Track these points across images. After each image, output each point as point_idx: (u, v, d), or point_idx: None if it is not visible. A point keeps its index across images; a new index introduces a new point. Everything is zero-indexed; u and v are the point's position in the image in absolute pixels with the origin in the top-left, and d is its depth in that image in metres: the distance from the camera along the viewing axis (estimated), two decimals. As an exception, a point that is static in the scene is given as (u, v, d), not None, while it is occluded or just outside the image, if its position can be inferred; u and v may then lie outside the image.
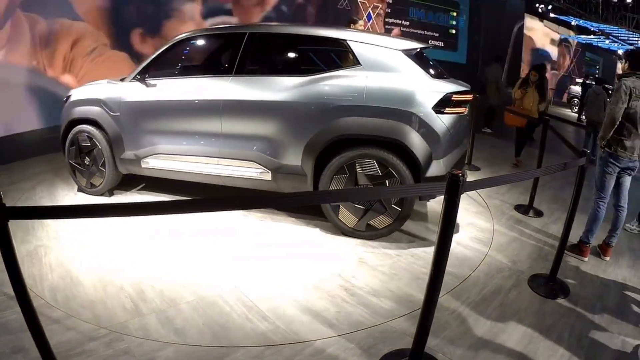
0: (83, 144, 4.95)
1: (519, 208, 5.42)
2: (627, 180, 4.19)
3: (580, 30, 25.89)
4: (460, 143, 4.38)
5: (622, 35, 24.20)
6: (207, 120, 4.42)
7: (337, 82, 4.11)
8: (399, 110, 3.95)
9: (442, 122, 3.97)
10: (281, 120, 4.21)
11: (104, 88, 4.96)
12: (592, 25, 24.32)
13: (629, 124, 3.95)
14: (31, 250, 3.79)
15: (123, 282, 3.38)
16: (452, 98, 3.99)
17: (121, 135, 4.80)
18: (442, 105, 3.95)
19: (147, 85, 4.65)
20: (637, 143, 3.99)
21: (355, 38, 4.21)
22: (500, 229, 4.81)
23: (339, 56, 4.47)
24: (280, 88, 4.20)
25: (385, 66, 4.08)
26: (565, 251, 4.02)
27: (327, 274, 3.64)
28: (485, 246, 4.34)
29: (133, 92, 4.73)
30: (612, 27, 23.52)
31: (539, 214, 5.31)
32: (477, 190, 5.77)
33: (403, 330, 2.99)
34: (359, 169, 4.05)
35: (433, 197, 4.42)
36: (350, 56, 4.21)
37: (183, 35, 4.79)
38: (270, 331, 2.91)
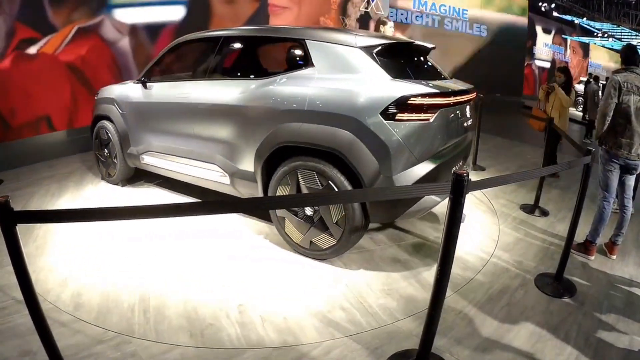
0: (103, 138, 5.52)
1: (524, 207, 5.41)
2: (631, 180, 4.16)
3: (584, 31, 25.88)
4: (438, 156, 3.63)
5: (625, 35, 24.15)
6: (183, 122, 4.57)
7: (284, 86, 3.82)
8: (340, 116, 3.45)
9: (392, 130, 3.34)
10: (236, 125, 4.09)
11: (118, 88, 5.42)
12: (595, 28, 24.28)
13: (621, 119, 3.90)
14: (37, 254, 3.81)
15: (130, 284, 3.39)
16: (409, 102, 3.32)
17: (127, 132, 5.24)
18: (394, 110, 3.33)
19: (145, 87, 4.99)
20: (637, 140, 3.91)
21: (312, 36, 3.84)
22: (506, 228, 4.80)
23: (295, 57, 4.03)
24: (237, 92, 4.07)
25: (339, 66, 3.64)
26: (572, 250, 4.01)
27: (332, 275, 3.65)
28: (492, 246, 4.33)
29: (135, 93, 5.11)
30: (614, 27, 23.48)
31: (544, 213, 5.29)
32: (483, 191, 5.76)
33: (410, 330, 2.99)
34: (300, 180, 3.71)
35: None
36: (305, 57, 3.85)
37: (178, 40, 4.96)
38: (276, 333, 2.92)
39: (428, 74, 4.07)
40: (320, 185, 3.60)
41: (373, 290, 3.46)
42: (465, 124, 4.05)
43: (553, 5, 22.13)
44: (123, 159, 5.37)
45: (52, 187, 5.56)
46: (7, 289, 3.24)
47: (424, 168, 3.49)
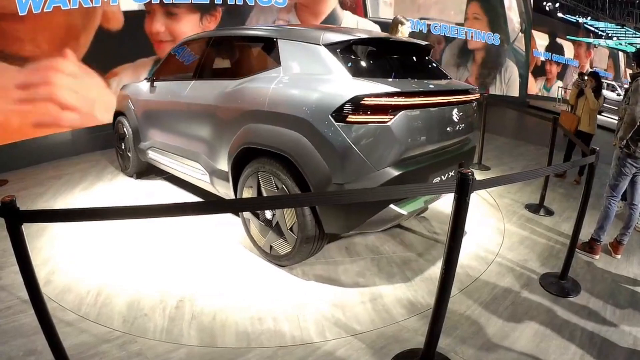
0: (120, 132, 5.89)
1: (529, 207, 5.40)
2: None
3: (587, 31, 25.86)
4: (407, 163, 3.30)
5: (629, 35, 24.14)
6: (176, 121, 4.72)
7: (251, 87, 3.73)
8: (293, 118, 3.29)
9: (343, 134, 3.07)
10: (213, 125, 4.12)
11: (133, 85, 5.74)
12: (599, 29, 24.25)
13: None
14: (42, 254, 3.82)
15: (135, 284, 3.40)
16: (363, 102, 3.03)
17: (138, 128, 5.53)
18: (347, 111, 3.06)
19: (152, 85, 5.19)
20: None
21: (282, 35, 3.72)
22: (511, 228, 4.79)
23: (268, 57, 3.93)
24: (215, 92, 4.08)
25: (304, 65, 3.49)
26: (577, 249, 4.01)
27: (336, 275, 3.65)
28: (496, 245, 4.33)
29: (143, 91, 5.37)
30: (617, 28, 23.46)
31: (549, 212, 5.29)
32: (488, 190, 5.76)
33: (415, 330, 2.99)
34: (261, 183, 3.62)
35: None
36: (276, 56, 3.71)
37: (182, 40, 5.17)
38: (282, 332, 2.92)
39: (421, 73, 3.90)
40: (276, 189, 3.51)
41: (378, 289, 3.46)
42: (456, 128, 3.72)
43: (557, 5, 22.09)
44: (135, 153, 5.66)
45: (58, 186, 5.58)
46: (12, 289, 3.25)
47: (385, 176, 3.17)
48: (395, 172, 3.19)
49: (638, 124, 3.86)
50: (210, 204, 3.42)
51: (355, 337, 2.89)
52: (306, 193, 3.28)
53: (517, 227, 4.82)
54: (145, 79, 5.44)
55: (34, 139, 6.50)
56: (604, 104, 10.88)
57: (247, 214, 3.90)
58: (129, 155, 5.77)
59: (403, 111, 3.16)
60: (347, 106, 3.05)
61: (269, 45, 3.88)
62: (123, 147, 5.89)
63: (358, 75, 3.29)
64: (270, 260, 3.78)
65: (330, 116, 3.09)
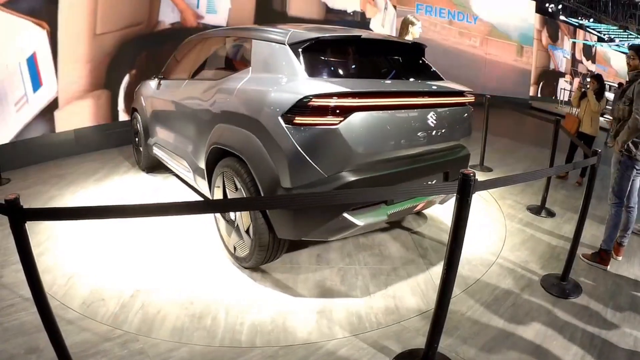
0: (135, 128, 6.19)
1: (531, 208, 5.40)
2: (639, 181, 4.07)
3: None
4: (366, 170, 3.12)
5: (632, 39, 24.13)
6: (171, 118, 4.90)
7: (224, 87, 3.73)
8: (248, 119, 3.26)
9: (290, 136, 2.96)
10: (194, 124, 4.21)
11: (146, 83, 5.90)
12: (601, 32, 24.23)
13: None
14: (43, 252, 3.83)
15: (136, 282, 3.41)
16: (310, 103, 2.89)
17: (147, 124, 5.69)
18: (295, 112, 2.94)
19: (158, 83, 5.37)
20: None
21: (255, 35, 3.66)
22: (513, 229, 4.79)
23: (243, 57, 3.87)
24: (198, 92, 4.16)
25: (269, 65, 3.41)
26: (586, 260, 3.99)
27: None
28: (498, 246, 4.33)
29: (151, 89, 5.55)
30: (620, 31, 23.44)
31: (551, 214, 5.29)
32: (490, 192, 5.76)
33: (416, 330, 2.99)
34: (225, 183, 3.61)
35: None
36: (248, 56, 3.68)
37: (185, 40, 5.30)
38: (283, 332, 2.93)
39: (404, 73, 3.77)
40: (235, 190, 3.48)
41: (379, 289, 3.47)
42: (436, 132, 3.47)
43: (560, 7, 22.07)
44: (145, 148, 5.86)
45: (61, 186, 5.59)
46: (14, 287, 3.26)
47: (337, 182, 3.02)
48: (350, 178, 3.03)
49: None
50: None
51: (357, 337, 2.90)
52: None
53: (518, 229, 4.82)
54: (155, 77, 5.59)
55: (35, 137, 6.49)
56: (607, 106, 10.84)
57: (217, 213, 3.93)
58: (141, 150, 6.00)
59: (355, 113, 2.98)
60: (295, 108, 2.94)
61: (246, 46, 3.84)
62: (137, 142, 6.16)
63: (318, 75, 3.19)
64: (234, 261, 3.77)
65: (279, 118, 3.00)
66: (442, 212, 4.96)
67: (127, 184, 5.72)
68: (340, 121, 2.93)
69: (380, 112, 3.12)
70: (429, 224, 4.70)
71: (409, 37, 5.38)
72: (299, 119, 2.93)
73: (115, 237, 4.12)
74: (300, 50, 3.25)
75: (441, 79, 3.91)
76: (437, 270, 3.72)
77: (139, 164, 6.29)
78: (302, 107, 2.91)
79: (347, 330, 2.96)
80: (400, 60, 3.86)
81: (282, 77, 3.21)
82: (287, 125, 2.96)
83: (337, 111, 2.91)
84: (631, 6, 22.62)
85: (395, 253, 4.04)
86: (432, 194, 3.22)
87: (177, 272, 3.61)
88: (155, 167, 6.05)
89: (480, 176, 6.21)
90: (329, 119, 2.91)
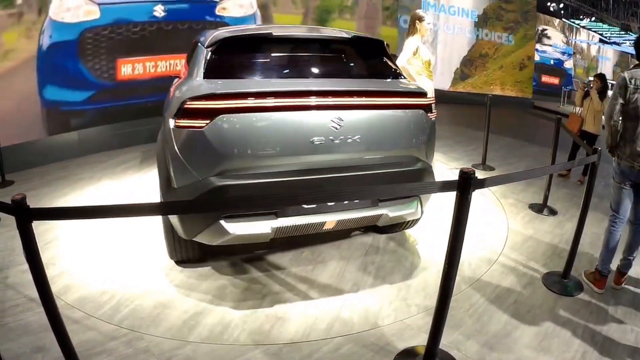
0: None
1: (533, 207, 5.41)
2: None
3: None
4: (241, 175, 3.00)
5: (631, 40, 24.14)
6: None
7: (171, 89, 3.65)
8: (162, 120, 3.43)
9: (173, 138, 3.03)
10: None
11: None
12: (603, 34, 24.22)
13: (629, 122, 3.30)
14: (48, 251, 3.85)
15: (141, 281, 3.44)
16: (185, 106, 2.92)
17: None
18: (179, 115, 2.98)
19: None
20: None
21: (200, 39, 3.69)
22: (515, 227, 4.80)
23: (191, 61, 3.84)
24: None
25: (196, 68, 3.35)
26: (584, 279, 3.69)
27: (340, 272, 3.67)
28: (500, 244, 4.35)
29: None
30: (622, 33, 23.44)
31: (553, 212, 5.29)
32: (492, 190, 5.77)
33: (418, 327, 3.01)
34: None
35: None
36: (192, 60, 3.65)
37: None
38: (286, 330, 2.95)
39: (336, 70, 3.62)
40: None
41: (381, 287, 3.49)
42: (356, 139, 3.15)
43: (562, 6, 22.05)
44: None
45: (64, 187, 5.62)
46: (20, 287, 3.28)
47: (205, 186, 2.94)
48: (218, 183, 2.93)
49: (613, 121, 3.36)
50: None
51: (360, 334, 2.92)
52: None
53: (520, 227, 4.83)
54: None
55: (40, 140, 6.52)
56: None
57: None
58: None
59: (222, 115, 2.90)
60: (179, 110, 2.97)
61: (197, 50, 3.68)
62: None
63: (216, 76, 3.15)
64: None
65: (171, 120, 3.05)
66: (443, 213, 4.97)
67: (130, 184, 5.71)
68: (207, 124, 2.90)
69: (258, 114, 2.98)
70: (429, 225, 4.72)
71: (416, 36, 5.18)
72: (178, 122, 2.98)
73: (122, 236, 4.15)
74: (212, 50, 3.29)
75: (397, 78, 3.62)
76: (440, 269, 3.74)
77: None
78: (182, 109, 2.96)
79: (349, 328, 2.98)
80: (344, 57, 3.73)
81: (190, 79, 3.26)
82: (173, 128, 3.04)
83: (204, 114, 2.91)
84: (632, 4, 22.59)
85: (397, 251, 4.07)
86: (429, 192, 3.14)
87: (184, 271, 3.63)
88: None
89: (482, 175, 6.22)
90: (197, 122, 2.91)
